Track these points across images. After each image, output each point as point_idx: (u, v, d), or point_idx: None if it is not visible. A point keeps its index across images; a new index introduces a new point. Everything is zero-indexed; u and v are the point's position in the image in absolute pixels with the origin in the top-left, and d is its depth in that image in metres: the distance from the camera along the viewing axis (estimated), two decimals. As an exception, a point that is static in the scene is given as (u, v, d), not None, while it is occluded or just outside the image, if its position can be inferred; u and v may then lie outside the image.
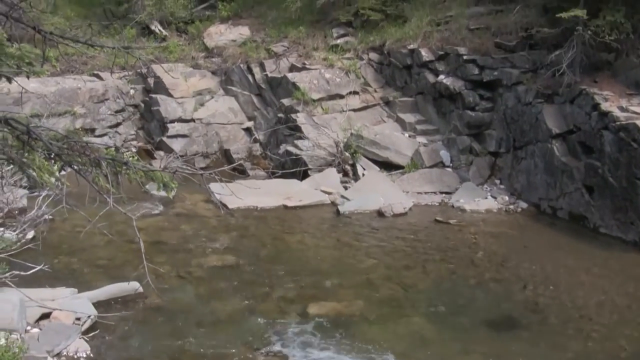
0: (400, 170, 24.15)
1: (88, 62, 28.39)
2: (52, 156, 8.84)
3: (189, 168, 9.62)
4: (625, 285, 17.04)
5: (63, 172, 10.36)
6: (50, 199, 16.67)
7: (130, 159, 9.51)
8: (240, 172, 25.03)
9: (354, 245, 19.32)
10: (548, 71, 21.58)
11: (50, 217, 17.96)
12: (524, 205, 22.23)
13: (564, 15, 20.29)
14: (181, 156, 25.73)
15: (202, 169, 25.01)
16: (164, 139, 26.57)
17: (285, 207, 21.91)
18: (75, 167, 8.84)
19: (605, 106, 19.99)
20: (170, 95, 27.28)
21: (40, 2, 28.76)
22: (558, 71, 20.99)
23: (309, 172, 24.10)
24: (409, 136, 25.21)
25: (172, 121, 26.78)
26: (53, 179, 9.07)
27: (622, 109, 19.76)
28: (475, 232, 20.41)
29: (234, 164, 24.03)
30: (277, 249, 19.04)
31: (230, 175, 21.94)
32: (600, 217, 20.12)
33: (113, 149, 9.97)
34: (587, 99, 20.57)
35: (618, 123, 19.38)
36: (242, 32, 30.01)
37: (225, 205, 20.89)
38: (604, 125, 19.83)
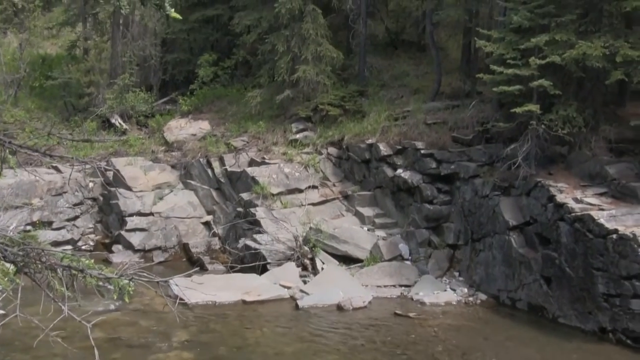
0: (360, 264, 24.12)
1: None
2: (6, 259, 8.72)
3: (145, 274, 9.48)
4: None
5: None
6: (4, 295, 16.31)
7: (87, 262, 9.37)
8: (200, 267, 24.85)
9: (314, 341, 19.11)
10: (504, 164, 21.94)
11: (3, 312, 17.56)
12: (483, 297, 22.29)
13: (518, 110, 20.84)
14: (139, 251, 25.56)
15: (160, 263, 24.92)
16: (123, 232, 26.39)
17: (244, 302, 21.66)
18: (30, 273, 8.72)
19: (560, 198, 20.38)
20: (129, 188, 27.23)
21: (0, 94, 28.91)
22: (514, 164, 21.36)
23: (268, 266, 23.96)
24: (368, 230, 25.32)
25: (131, 215, 26.67)
26: (6, 279, 8.92)
27: (577, 201, 20.16)
28: (435, 325, 20.32)
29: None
30: (236, 345, 18.74)
31: (189, 270, 21.70)
32: (559, 308, 20.23)
33: (70, 254, 9.76)
34: (543, 191, 20.95)
35: (573, 214, 19.73)
36: (202, 126, 30.29)
37: (183, 301, 20.61)
38: (560, 217, 20.16)
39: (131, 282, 8.95)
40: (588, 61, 20.30)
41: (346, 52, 30.70)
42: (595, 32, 21.00)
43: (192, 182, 28.16)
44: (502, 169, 22.17)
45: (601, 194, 20.52)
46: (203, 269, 24.86)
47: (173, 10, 10.08)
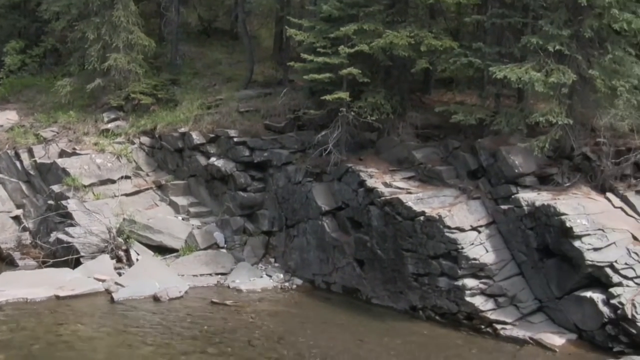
0: (175, 254, 23.85)
1: None
2: None
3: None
4: (401, 354, 17.69)
5: None
6: None
7: None
8: (9, 263, 23.75)
9: (130, 333, 18.70)
10: (316, 151, 22.37)
11: None
12: (299, 282, 22.62)
13: (328, 97, 21.29)
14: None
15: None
16: None
17: (57, 297, 20.82)
18: None
19: (370, 183, 21.00)
20: None
21: None
22: (325, 150, 21.82)
23: (82, 259, 23.16)
24: (183, 219, 25.05)
25: None
26: None
27: (386, 185, 20.83)
28: (252, 312, 20.42)
29: None
30: (50, 342, 17.96)
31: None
32: (372, 289, 20.89)
33: None
34: (354, 177, 21.51)
35: (383, 198, 20.40)
36: (9, 116, 28.82)
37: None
38: (370, 201, 20.79)
39: None
40: (395, 50, 21.06)
41: (158, 40, 30.17)
42: (402, 22, 21.79)
43: (0, 176, 26.80)
44: (313, 156, 22.60)
45: (409, 178, 21.30)
46: (13, 265, 23.73)
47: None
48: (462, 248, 19.01)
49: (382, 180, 21.06)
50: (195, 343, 18.17)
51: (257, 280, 22.58)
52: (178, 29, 30.33)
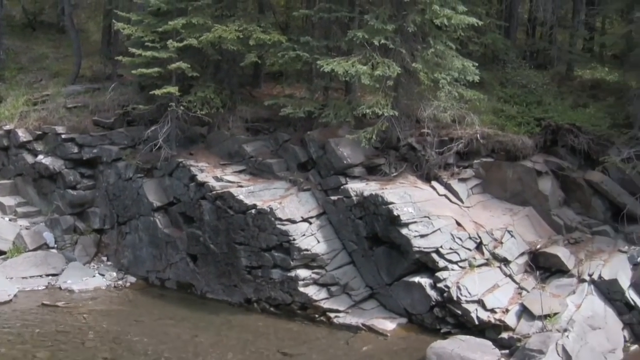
0: (3, 256, 22.92)
1: None
2: None
3: None
4: (235, 347, 17.78)
5: None
6: None
7: None
8: None
9: (-47, 342, 17.89)
10: (146, 146, 22.10)
11: None
12: (133, 279, 22.30)
13: (157, 92, 21.05)
14: None
15: None
16: None
17: None
18: None
19: (201, 177, 20.96)
20: None
21: None
22: (155, 146, 21.61)
23: None
24: (10, 220, 24.13)
25: None
26: None
27: (217, 179, 20.84)
28: (85, 312, 19.93)
29: None
30: None
31: None
32: (207, 284, 20.88)
33: None
34: (185, 171, 21.40)
35: (214, 192, 20.42)
36: None
37: None
38: (202, 195, 20.76)
39: None
40: (224, 44, 21.09)
41: (-20, 34, 28.96)
42: (230, 17, 21.87)
43: None
44: (144, 151, 22.30)
45: (240, 172, 21.39)
46: None
47: None
48: (294, 239, 19.23)
49: (213, 175, 21.05)
50: (25, 348, 17.54)
51: (89, 280, 22.06)
52: (1, 22, 29.18)
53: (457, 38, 21.46)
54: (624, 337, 18.32)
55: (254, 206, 19.72)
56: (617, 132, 21.88)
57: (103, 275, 22.48)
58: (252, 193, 20.14)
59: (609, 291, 18.81)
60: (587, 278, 19.12)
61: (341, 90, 23.00)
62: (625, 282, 18.84)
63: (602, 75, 26.41)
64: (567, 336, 16.93)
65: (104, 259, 23.41)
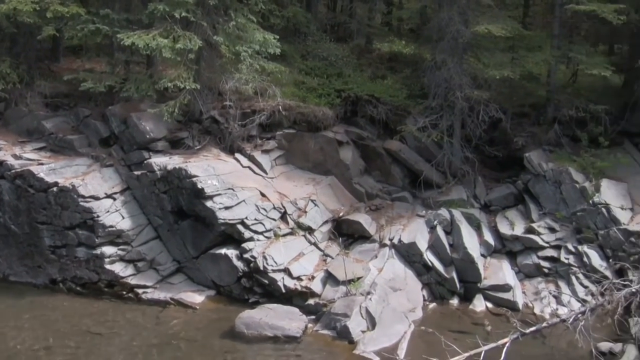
0: None
1: None
2: None
3: None
4: (39, 328, 17.37)
5: None
6: None
7: None
8: None
9: None
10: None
11: None
12: None
13: None
14: None
15: None
16: None
17: None
18: None
19: (-1, 155, 20.19)
20: None
21: None
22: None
23: None
24: None
25: None
26: None
27: (16, 157, 20.13)
28: None
29: None
30: None
31: None
32: (9, 266, 20.20)
33: None
34: (-25, 150, 20.52)
35: (13, 171, 19.73)
36: None
37: None
38: (1, 175, 19.97)
39: None
40: (19, 17, 20.27)
41: None
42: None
43: None
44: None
45: (40, 149, 20.78)
46: None
47: None
48: (98, 216, 19.03)
49: (11, 153, 20.33)
50: None
51: None
52: None
53: (259, 11, 21.71)
54: (423, 296, 19.49)
55: (56, 184, 19.29)
56: (413, 102, 23.00)
57: None
58: (53, 170, 19.66)
59: (408, 254, 19.89)
60: (388, 242, 20.16)
61: (143, 64, 22.79)
62: (423, 244, 19.97)
63: (399, 48, 27.59)
64: (370, 299, 17.80)
65: None
